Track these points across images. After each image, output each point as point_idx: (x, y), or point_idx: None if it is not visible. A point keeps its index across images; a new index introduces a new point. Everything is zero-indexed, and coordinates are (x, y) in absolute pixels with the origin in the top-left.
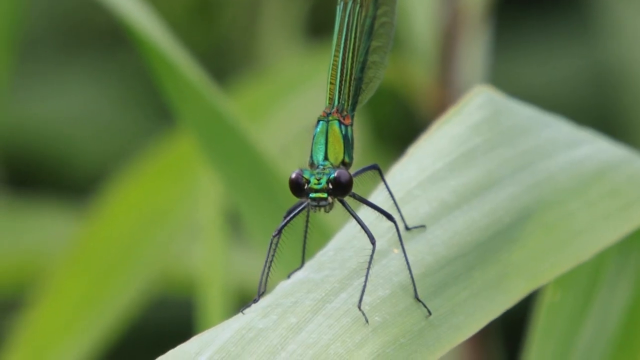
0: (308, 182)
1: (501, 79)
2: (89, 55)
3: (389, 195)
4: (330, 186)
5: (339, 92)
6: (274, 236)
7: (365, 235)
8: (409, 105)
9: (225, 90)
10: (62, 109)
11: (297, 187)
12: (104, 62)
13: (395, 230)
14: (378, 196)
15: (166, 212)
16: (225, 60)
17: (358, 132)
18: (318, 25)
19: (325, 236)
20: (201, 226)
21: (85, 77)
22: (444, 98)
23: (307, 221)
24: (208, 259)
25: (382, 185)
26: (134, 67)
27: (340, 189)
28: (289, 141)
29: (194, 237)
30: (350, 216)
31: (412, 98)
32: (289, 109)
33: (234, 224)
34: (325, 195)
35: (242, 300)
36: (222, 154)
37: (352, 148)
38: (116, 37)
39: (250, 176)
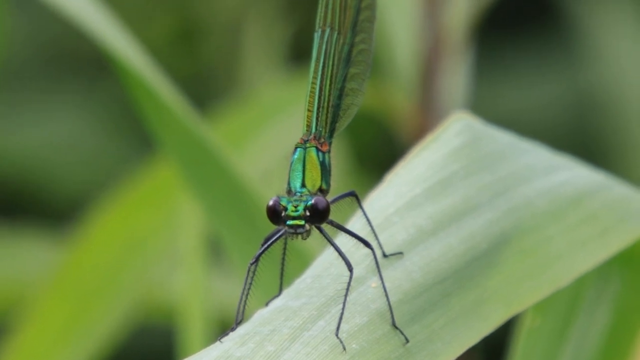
0: (285, 209)
1: (482, 104)
2: (72, 83)
3: (366, 222)
4: (308, 213)
5: (317, 119)
6: (251, 264)
7: (343, 262)
8: (389, 130)
9: (206, 117)
10: (45, 136)
11: (275, 214)
12: (88, 90)
13: (372, 257)
14: (356, 223)
15: (147, 239)
16: (207, 86)
17: (338, 158)
18: (300, 51)
19: (303, 263)
20: (182, 253)
21: (68, 104)
22: (425, 123)
23: (284, 248)
24: (189, 286)
25: (359, 212)
26: (116, 94)
27: (317, 216)
28: (270, 167)
29: (175, 264)
30: (328, 243)
31: (393, 123)
32: (270, 136)
33: (215, 250)
34: (302, 222)
35: (223, 327)
36: (202, 181)
37: (330, 175)
38: (100, 65)
39: (230, 203)
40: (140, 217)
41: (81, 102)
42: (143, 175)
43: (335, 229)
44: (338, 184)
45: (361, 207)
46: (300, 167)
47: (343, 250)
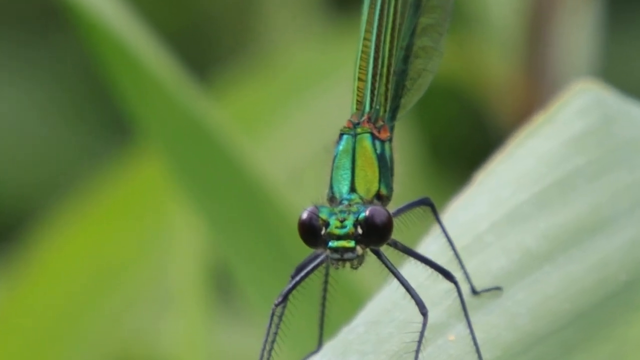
0: (327, 224)
1: (614, 71)
2: (12, 41)
3: (446, 243)
4: (360, 230)
5: (372, 92)
6: (276, 305)
7: (413, 303)
8: (479, 109)
9: (208, 90)
10: None
11: (311, 232)
12: (31, 49)
13: (456, 294)
14: (431, 245)
15: (123, 267)
16: (208, 46)
17: (404, 150)
18: None
19: (354, 304)
20: (173, 288)
21: (6, 73)
22: (532, 98)
23: (325, 282)
24: (183, 336)
25: (436, 229)
26: (77, 59)
27: (375, 234)
28: (302, 164)
29: (163, 305)
30: (390, 275)
31: (484, 99)
32: (301, 118)
33: (222, 284)
34: (352, 244)
35: None
36: (203, 183)
37: (392, 174)
38: (48, 14)
39: (244, 215)
40: (114, 236)
41: (23, 68)
42: (117, 175)
43: (400, 253)
44: (404, 188)
45: (439, 221)
46: (348, 163)
47: (413, 284)
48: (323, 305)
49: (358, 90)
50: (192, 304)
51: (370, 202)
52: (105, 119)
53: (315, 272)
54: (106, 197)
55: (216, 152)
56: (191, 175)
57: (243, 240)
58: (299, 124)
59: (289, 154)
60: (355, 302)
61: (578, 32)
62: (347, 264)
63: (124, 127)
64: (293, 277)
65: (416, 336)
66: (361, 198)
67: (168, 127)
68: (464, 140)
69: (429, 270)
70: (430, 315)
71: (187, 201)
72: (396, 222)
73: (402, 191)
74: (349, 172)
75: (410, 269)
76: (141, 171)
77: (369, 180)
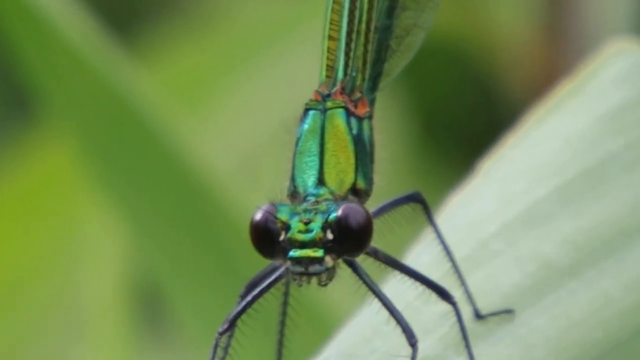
0: (287, 228)
1: None
2: None
3: (442, 252)
4: (330, 236)
5: (347, 55)
6: (220, 333)
7: (398, 330)
8: (486, 77)
9: (134, 54)
10: None
11: (266, 237)
12: None
13: (455, 318)
14: (422, 254)
15: (22, 283)
16: None
17: (385, 131)
18: None
19: (322, 330)
20: (87, 309)
21: None
22: (553, 63)
23: (285, 303)
24: None
25: (429, 233)
26: None
27: (350, 240)
28: (254, 149)
29: (74, 330)
30: (370, 293)
31: (494, 64)
32: (253, 89)
33: (149, 304)
34: (319, 253)
35: None
36: (126, 174)
37: (373, 161)
38: None
39: (178, 216)
40: (11, 242)
41: None
42: (14, 165)
43: (383, 265)
44: (389, 180)
45: (432, 223)
46: (315, 148)
47: (399, 306)
48: (281, 333)
49: (329, 52)
50: (111, 328)
51: (344, 199)
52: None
53: (272, 290)
54: (0, 193)
55: (143, 133)
56: (110, 164)
57: (177, 248)
58: (251, 96)
59: (238, 136)
60: (324, 329)
61: None
62: (314, 280)
63: (23, 103)
64: (243, 297)
65: None
66: (332, 193)
67: (80, 102)
68: (467, 117)
69: (420, 288)
70: (420, 346)
71: (105, 197)
72: (377, 224)
73: (387, 184)
74: (316, 159)
75: (396, 286)
76: (45, 159)
77: (342, 169)
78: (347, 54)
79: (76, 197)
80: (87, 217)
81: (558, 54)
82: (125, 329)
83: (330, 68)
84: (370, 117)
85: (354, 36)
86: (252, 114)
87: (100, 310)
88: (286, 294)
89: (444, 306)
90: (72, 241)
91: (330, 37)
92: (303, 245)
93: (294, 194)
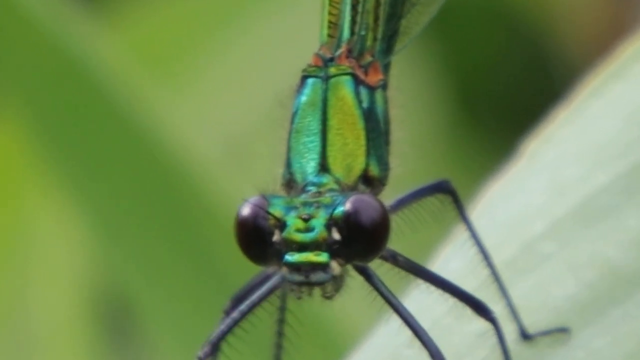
0: (282, 225)
1: None
2: None
3: (477, 256)
4: (337, 235)
5: (354, 9)
6: (201, 358)
7: (425, 353)
8: (537, 39)
9: (98, 14)
10: None
11: (256, 237)
12: None
13: (495, 339)
14: (453, 259)
15: None
16: None
17: (406, 104)
18: None
19: (329, 353)
20: (39, 324)
21: None
22: (617, 23)
23: (281, 320)
24: None
25: (461, 232)
26: None
27: (361, 241)
28: (241, 129)
29: (23, 349)
30: (388, 307)
31: (546, 24)
32: (240, 53)
33: (115, 318)
34: (323, 257)
35: None
36: (87, 160)
37: (388, 142)
38: None
39: (151, 211)
40: None
41: None
42: None
43: (404, 273)
44: (411, 165)
45: (465, 220)
46: (315, 125)
47: (424, 323)
48: (277, 357)
49: (331, 6)
50: (67, 346)
51: (353, 189)
52: None
53: (264, 304)
54: None
55: (105, 108)
56: (65, 146)
57: (148, 249)
58: (237, 61)
59: (222, 113)
60: (331, 353)
61: None
62: (316, 291)
63: None
64: (228, 314)
65: None
66: (337, 182)
67: (32, 73)
68: (512, 88)
69: (450, 301)
70: None
71: (60, 186)
72: (396, 220)
73: (408, 170)
74: (317, 140)
75: (420, 299)
76: None
77: (349, 152)
78: (354, 8)
79: (25, 187)
80: (38, 211)
81: (623, 11)
82: (86, 348)
83: (334, 25)
84: (384, 87)
85: None
86: (239, 83)
87: (55, 325)
88: (282, 309)
89: (481, 324)
90: (19, 240)
91: None
92: (302, 247)
93: (290, 184)
